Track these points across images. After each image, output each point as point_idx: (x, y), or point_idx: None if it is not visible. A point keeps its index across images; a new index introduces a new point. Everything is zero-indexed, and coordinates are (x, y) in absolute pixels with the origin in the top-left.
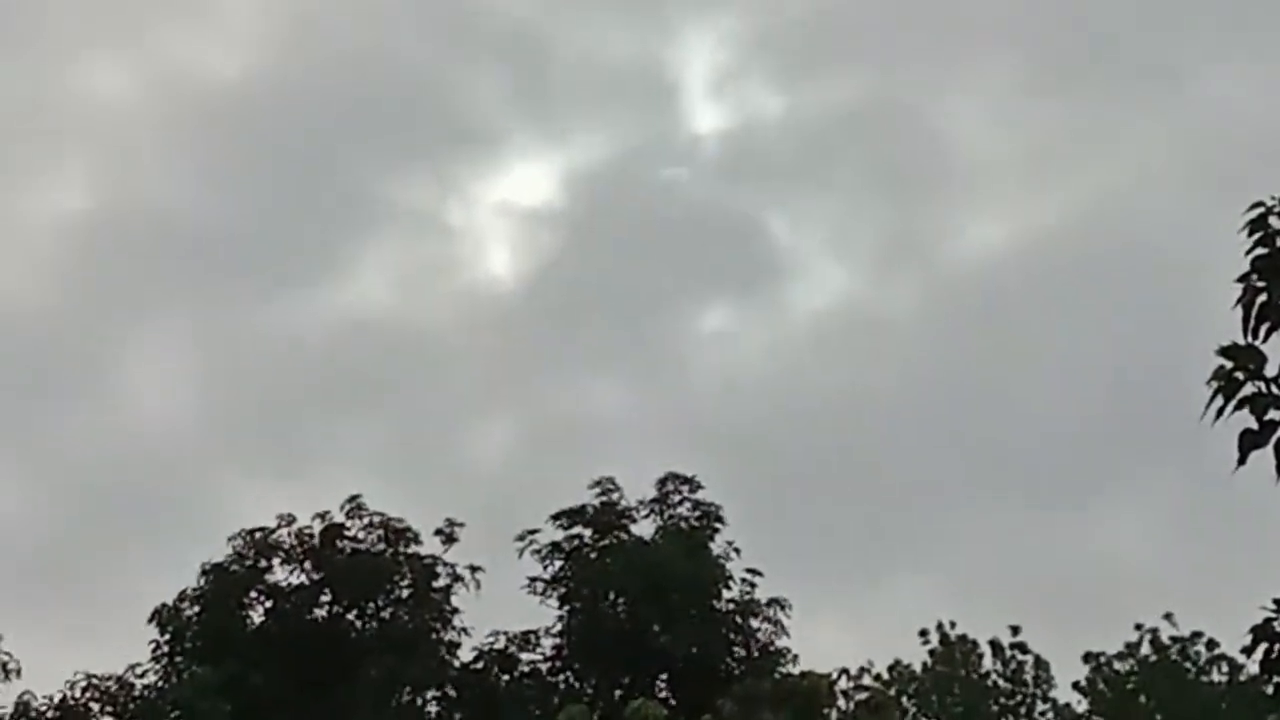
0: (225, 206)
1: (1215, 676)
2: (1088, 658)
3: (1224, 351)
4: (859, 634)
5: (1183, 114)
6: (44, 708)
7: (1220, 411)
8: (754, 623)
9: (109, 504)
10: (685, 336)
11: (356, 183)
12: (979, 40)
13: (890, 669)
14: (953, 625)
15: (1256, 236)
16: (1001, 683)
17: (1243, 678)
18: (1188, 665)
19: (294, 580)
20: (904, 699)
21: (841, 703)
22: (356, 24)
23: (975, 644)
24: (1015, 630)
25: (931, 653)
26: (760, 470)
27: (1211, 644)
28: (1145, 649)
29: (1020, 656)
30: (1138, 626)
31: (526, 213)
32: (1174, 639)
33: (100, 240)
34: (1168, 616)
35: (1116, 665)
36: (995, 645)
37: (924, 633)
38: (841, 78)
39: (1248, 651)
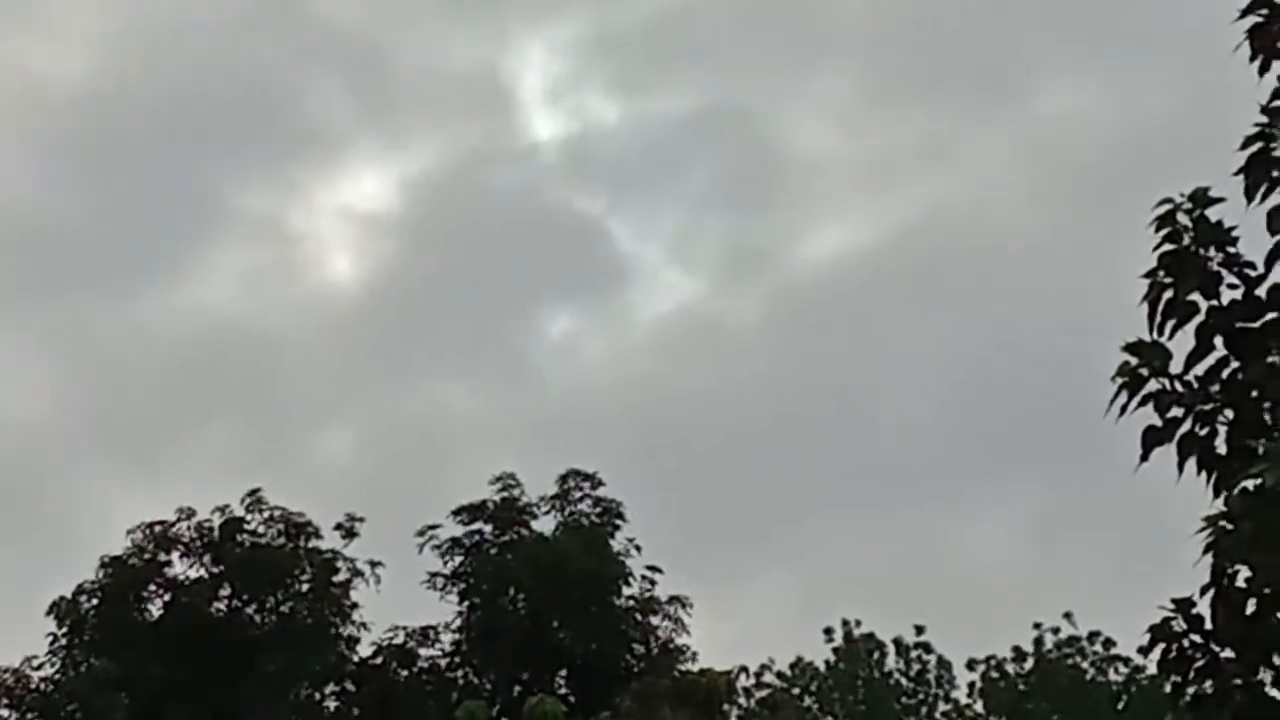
0: (69, 207)
1: (1113, 676)
2: (971, 664)
3: (1129, 348)
4: (721, 635)
5: (1020, 123)
6: None
7: (1124, 408)
8: (654, 620)
9: None
10: (530, 341)
11: (201, 185)
12: (818, 50)
13: (792, 666)
14: (858, 624)
15: (1164, 233)
16: (905, 681)
17: (1141, 678)
18: (1084, 665)
19: (193, 574)
20: (805, 697)
21: (742, 700)
22: (200, 28)
23: (880, 643)
24: (919, 630)
25: (835, 650)
26: (609, 473)
27: (1108, 643)
28: (1039, 646)
29: (924, 656)
30: (1036, 626)
31: (368, 217)
32: (1071, 638)
33: None
34: (1067, 616)
35: (1009, 667)
36: (899, 644)
37: (828, 631)
38: (680, 86)
39: (1145, 651)
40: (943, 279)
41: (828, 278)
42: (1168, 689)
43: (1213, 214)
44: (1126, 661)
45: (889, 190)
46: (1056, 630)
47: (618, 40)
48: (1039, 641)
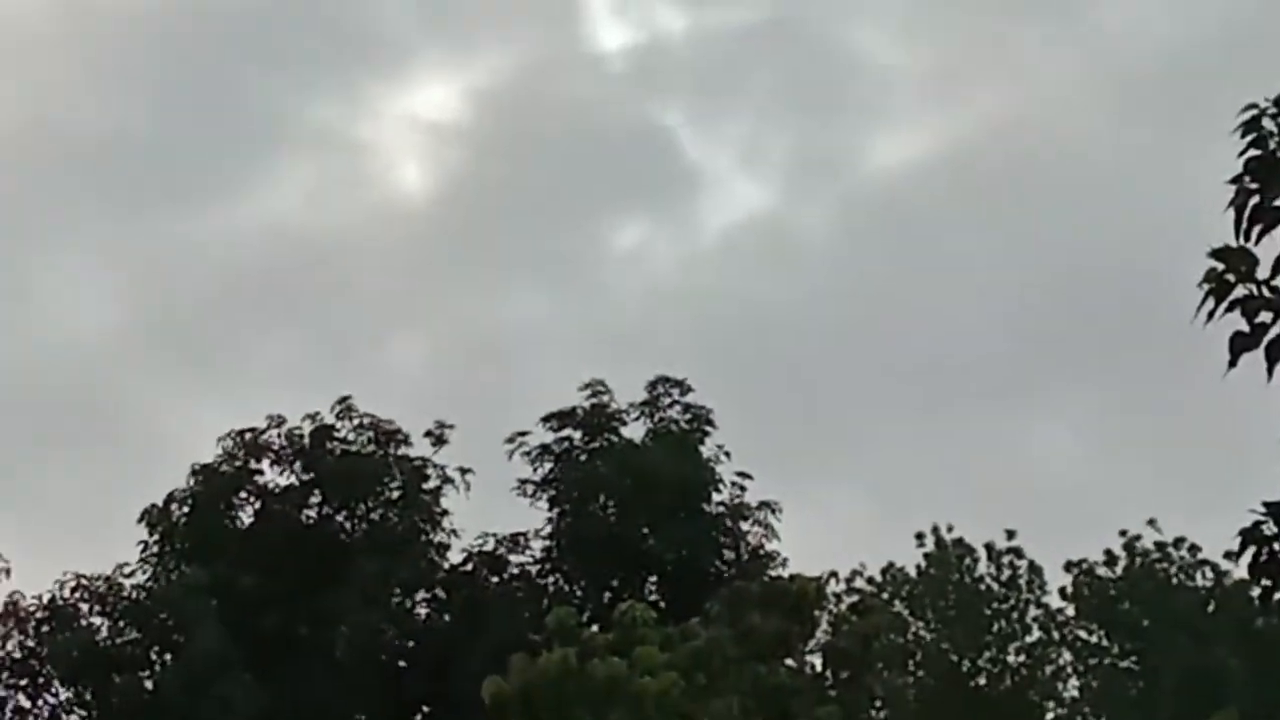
0: (136, 122)
1: (1200, 581)
2: (1069, 566)
3: (1215, 253)
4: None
5: (1083, 33)
6: (33, 607)
7: (1211, 314)
8: (743, 525)
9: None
10: (600, 249)
11: (265, 98)
12: None
13: (883, 572)
14: (949, 529)
15: (1250, 138)
16: (995, 587)
17: (1228, 583)
18: (1172, 570)
19: (284, 481)
20: (897, 602)
21: (832, 606)
22: None
23: (970, 548)
24: (1010, 535)
25: (926, 556)
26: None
27: (1194, 549)
28: (1129, 552)
29: (1015, 561)
30: (1122, 533)
31: (436, 127)
32: (1157, 544)
33: (7, 156)
34: (1151, 523)
35: (1100, 572)
36: (990, 549)
37: (919, 536)
38: None
39: (1235, 555)
40: (1007, 188)
41: (894, 186)
42: (1257, 592)
43: None
44: (1214, 567)
45: (953, 100)
46: (1139, 537)
47: None
48: (1128, 547)
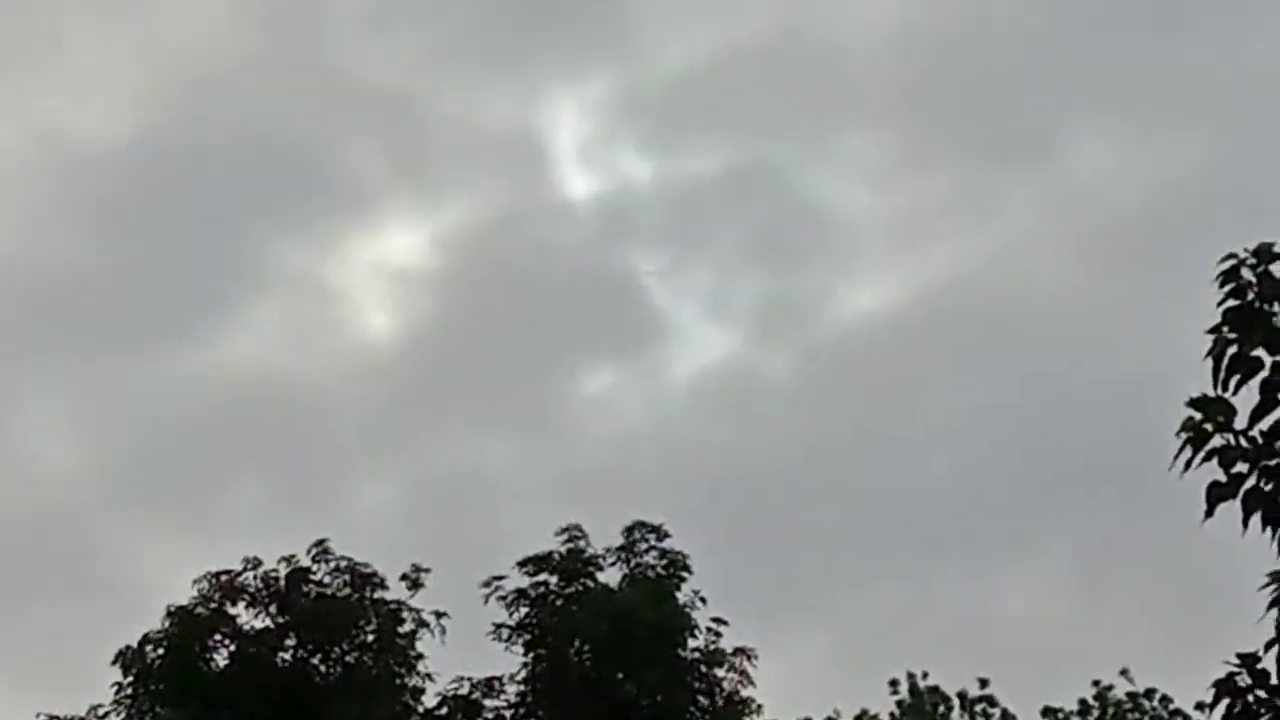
0: (105, 265)
1: None
2: (1046, 712)
3: (1193, 403)
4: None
5: (1050, 181)
6: None
7: (1189, 463)
8: (719, 672)
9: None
10: (568, 396)
11: (236, 242)
12: (847, 109)
13: (857, 718)
14: (924, 676)
15: (1228, 288)
16: None
17: None
18: None
19: (259, 623)
20: None
21: None
22: (233, 85)
23: (945, 696)
24: (983, 683)
25: (899, 704)
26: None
27: (1165, 700)
28: (1102, 702)
29: (989, 709)
30: (1095, 683)
31: (404, 273)
32: (1129, 695)
33: None
34: (1124, 673)
35: None
36: (963, 698)
37: (893, 683)
38: (712, 144)
39: (1210, 706)
40: (975, 336)
41: (862, 334)
42: None
43: (1277, 269)
44: (1186, 718)
45: (921, 248)
46: (1110, 688)
47: (648, 99)
48: (1100, 697)
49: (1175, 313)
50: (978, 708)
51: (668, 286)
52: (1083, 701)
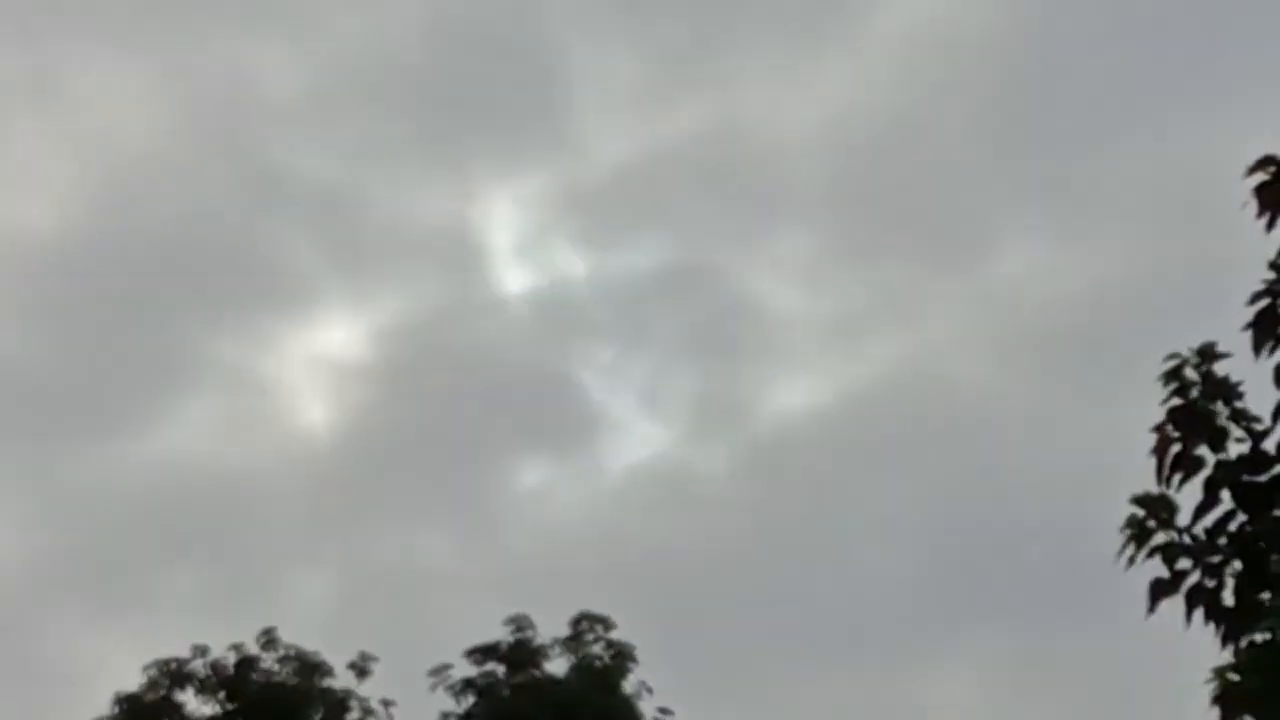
0: (46, 356)
1: None
2: None
3: (1137, 500)
4: None
5: (981, 281)
6: None
7: (1132, 559)
8: None
9: None
10: (504, 489)
11: (172, 335)
12: (779, 208)
13: None
14: None
15: (1172, 388)
16: None
17: None
18: None
19: (207, 710)
20: None
21: None
22: (168, 183)
23: None
24: None
25: None
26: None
27: None
28: None
29: None
30: None
31: (340, 366)
32: None
33: None
34: None
35: None
36: None
37: None
38: (646, 242)
39: None
40: (904, 434)
41: (796, 430)
42: None
43: (1220, 368)
44: None
45: (855, 346)
46: None
47: (583, 195)
48: None
49: (1102, 413)
50: None
51: (605, 381)
52: None
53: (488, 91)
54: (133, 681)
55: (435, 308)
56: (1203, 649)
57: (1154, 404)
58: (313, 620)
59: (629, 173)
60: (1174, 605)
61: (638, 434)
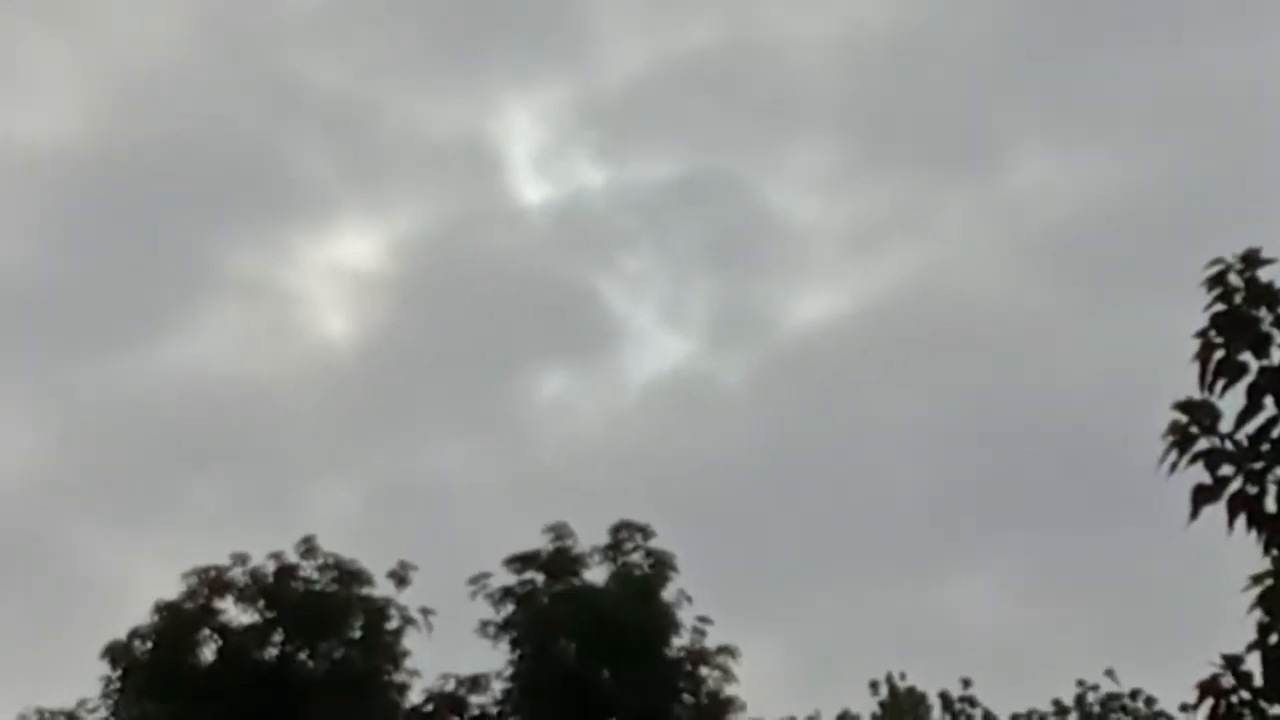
0: (65, 269)
1: None
2: (1015, 718)
3: (1180, 406)
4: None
5: (995, 192)
6: None
7: (1174, 466)
8: (703, 670)
9: None
10: (524, 400)
11: (190, 247)
12: (797, 117)
13: (840, 718)
14: (902, 676)
15: (1215, 293)
16: None
17: None
18: None
19: (246, 619)
20: None
21: None
22: (184, 94)
23: (924, 697)
24: (966, 683)
25: (881, 704)
26: (602, 530)
27: (1150, 701)
28: (1080, 702)
29: (969, 710)
30: (1080, 683)
31: (360, 277)
32: (1112, 695)
33: None
34: (1109, 673)
35: None
36: (945, 698)
37: (874, 684)
38: (663, 153)
39: (1193, 707)
40: (922, 343)
41: (814, 341)
42: None
43: (1263, 274)
44: (1170, 718)
45: (871, 257)
46: (1096, 687)
47: (600, 107)
48: (1080, 698)
49: (1117, 321)
50: (959, 708)
51: (624, 293)
52: (1057, 702)
53: (503, 4)
54: (160, 592)
55: (453, 219)
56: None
57: (1170, 311)
58: (335, 532)
59: (645, 84)
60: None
61: (658, 345)
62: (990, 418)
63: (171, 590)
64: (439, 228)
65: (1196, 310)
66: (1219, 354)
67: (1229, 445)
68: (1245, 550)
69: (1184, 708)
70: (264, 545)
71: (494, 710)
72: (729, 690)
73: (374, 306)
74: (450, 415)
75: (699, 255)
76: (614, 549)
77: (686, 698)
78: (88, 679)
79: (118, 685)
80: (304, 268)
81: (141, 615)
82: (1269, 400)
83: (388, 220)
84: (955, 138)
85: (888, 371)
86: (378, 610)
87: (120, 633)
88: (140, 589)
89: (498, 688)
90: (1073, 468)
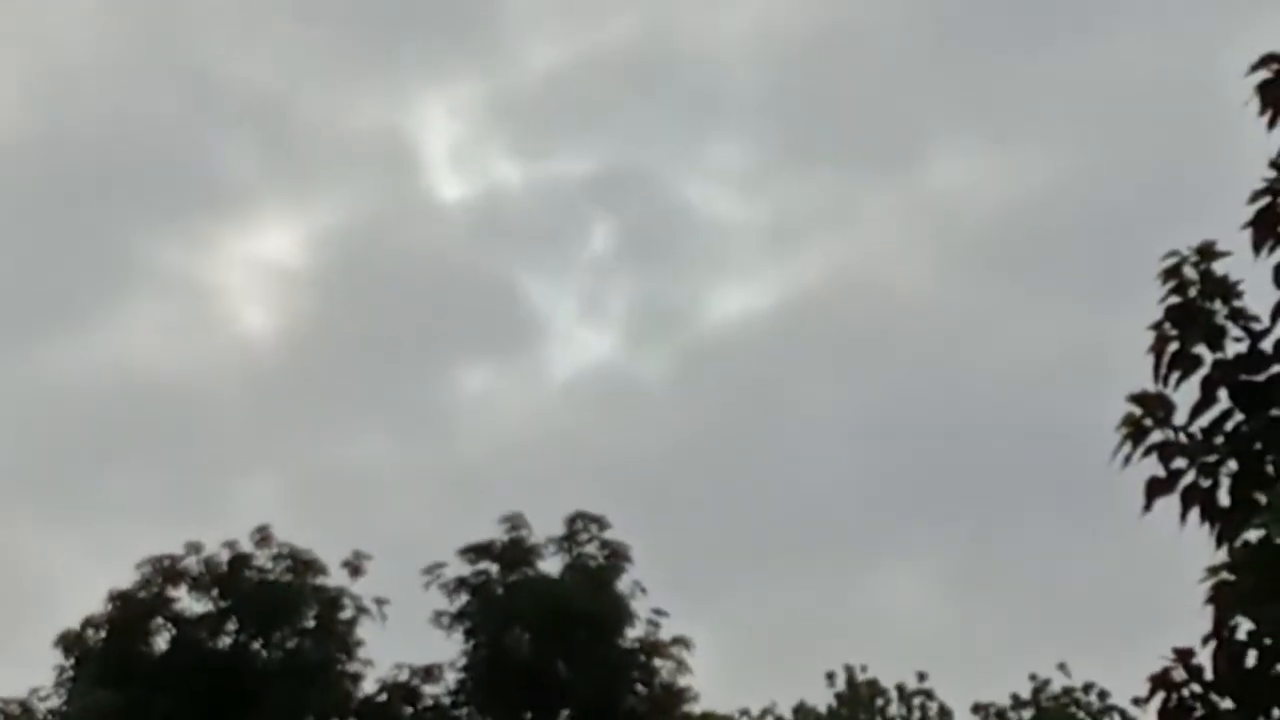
0: None
1: None
2: (976, 708)
3: (1134, 398)
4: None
5: (913, 189)
6: None
7: (1128, 458)
8: (657, 661)
9: None
10: (447, 395)
11: (110, 241)
12: (714, 114)
13: (795, 711)
14: (863, 669)
15: (1170, 285)
16: None
17: None
18: (1080, 716)
19: (199, 608)
20: None
21: None
22: (104, 87)
23: (882, 689)
24: (922, 676)
25: (838, 696)
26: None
27: (1103, 695)
28: (1037, 696)
29: (927, 703)
30: (1032, 677)
31: (280, 272)
32: (1065, 689)
33: None
34: (1061, 667)
35: (1009, 716)
36: (901, 690)
37: (830, 675)
38: (581, 149)
39: (1144, 701)
40: (842, 338)
41: (735, 336)
42: None
43: (1218, 267)
44: (1122, 713)
45: (792, 252)
46: (1049, 681)
47: (515, 103)
48: (1037, 691)
49: (1040, 316)
50: (915, 700)
51: (543, 289)
52: (1015, 696)
53: None
54: (83, 583)
55: (372, 215)
56: (1174, 548)
57: (1090, 307)
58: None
59: (563, 80)
60: (1169, 504)
61: (578, 340)
62: (911, 412)
63: (92, 584)
64: (359, 222)
65: (1118, 304)
66: (1173, 347)
67: (1183, 438)
68: (1198, 542)
69: (1136, 701)
70: (189, 537)
71: (447, 700)
72: (683, 681)
73: (295, 300)
74: (374, 409)
75: (618, 251)
76: (569, 540)
77: (640, 688)
78: (32, 669)
79: (71, 674)
80: (225, 261)
81: (66, 607)
82: (1223, 393)
83: (308, 214)
84: (876, 134)
85: (809, 366)
86: (331, 600)
87: (45, 624)
88: (63, 581)
89: (451, 678)
90: (995, 460)
